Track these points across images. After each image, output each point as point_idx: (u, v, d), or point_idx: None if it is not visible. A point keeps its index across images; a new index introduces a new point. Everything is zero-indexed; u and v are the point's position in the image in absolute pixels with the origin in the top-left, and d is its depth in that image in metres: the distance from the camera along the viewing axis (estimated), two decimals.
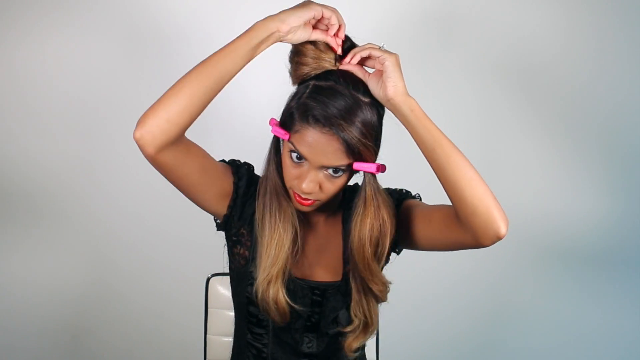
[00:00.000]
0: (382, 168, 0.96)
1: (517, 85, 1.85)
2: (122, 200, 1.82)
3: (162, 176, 1.79)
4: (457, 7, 1.81)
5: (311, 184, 0.94)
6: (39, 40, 1.73)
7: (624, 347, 1.88)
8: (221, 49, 0.92)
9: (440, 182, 0.94)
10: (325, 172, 0.94)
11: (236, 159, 1.08)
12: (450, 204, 0.95)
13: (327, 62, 0.95)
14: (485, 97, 1.86)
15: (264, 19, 0.92)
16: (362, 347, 1.18)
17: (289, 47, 0.98)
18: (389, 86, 0.91)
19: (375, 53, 0.93)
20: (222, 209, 1.04)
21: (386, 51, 0.93)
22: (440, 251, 1.06)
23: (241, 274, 1.08)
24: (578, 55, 1.84)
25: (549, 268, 1.91)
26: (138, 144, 0.89)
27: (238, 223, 1.05)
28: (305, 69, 0.94)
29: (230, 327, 1.32)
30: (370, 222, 0.99)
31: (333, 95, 0.91)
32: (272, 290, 1.00)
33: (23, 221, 1.82)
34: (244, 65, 0.93)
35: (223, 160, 1.06)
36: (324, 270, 1.09)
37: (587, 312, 1.90)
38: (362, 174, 0.98)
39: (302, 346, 1.09)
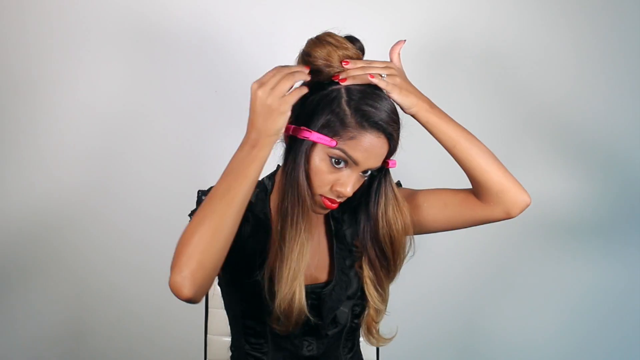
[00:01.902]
0: None
1: (519, 95, 1.88)
2: (125, 199, 1.82)
3: (161, 177, 1.80)
4: (463, 32, 1.82)
5: (351, 186, 0.95)
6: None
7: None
8: (229, 175, 0.86)
9: (465, 170, 1.00)
10: (360, 173, 0.96)
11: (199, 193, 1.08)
12: (445, 187, 1.06)
13: (336, 68, 0.94)
14: (489, 106, 1.88)
15: (264, 125, 0.85)
16: (358, 344, 1.19)
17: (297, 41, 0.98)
18: (404, 107, 0.95)
19: (380, 85, 0.93)
20: None
21: (387, 82, 0.93)
22: (453, 230, 1.09)
23: (231, 287, 1.07)
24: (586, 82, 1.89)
25: (550, 241, 1.97)
26: (185, 300, 0.82)
27: None
28: (322, 73, 0.94)
29: None
30: (409, 211, 1.04)
31: (378, 98, 0.92)
32: (296, 303, 0.97)
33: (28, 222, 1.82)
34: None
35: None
36: (315, 272, 1.08)
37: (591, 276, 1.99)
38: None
39: (302, 350, 1.09)
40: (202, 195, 1.07)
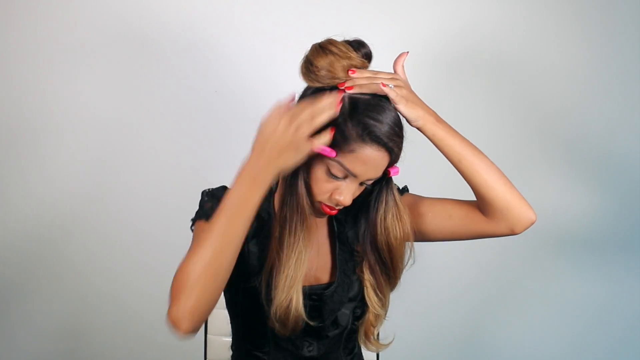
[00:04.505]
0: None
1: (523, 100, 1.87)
2: (126, 198, 1.82)
3: (162, 177, 1.80)
4: (472, 38, 1.81)
5: (350, 195, 0.95)
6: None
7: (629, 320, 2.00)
8: (228, 211, 0.84)
9: (470, 185, 0.98)
10: (360, 182, 0.95)
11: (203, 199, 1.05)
12: (454, 197, 1.04)
13: (340, 79, 0.92)
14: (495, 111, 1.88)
15: (274, 160, 0.85)
16: (359, 346, 1.19)
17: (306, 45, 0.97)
18: (410, 120, 0.93)
19: (390, 95, 0.91)
20: None
21: (397, 93, 0.91)
22: (454, 241, 1.09)
23: (232, 288, 1.07)
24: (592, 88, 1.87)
25: (552, 254, 1.97)
26: (183, 334, 0.82)
27: None
28: (325, 80, 0.92)
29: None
30: (409, 220, 1.03)
31: (382, 110, 0.90)
32: (293, 310, 0.98)
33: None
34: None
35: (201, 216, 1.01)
36: (317, 273, 1.08)
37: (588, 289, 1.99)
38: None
39: (302, 351, 1.09)
40: (206, 196, 1.05)
